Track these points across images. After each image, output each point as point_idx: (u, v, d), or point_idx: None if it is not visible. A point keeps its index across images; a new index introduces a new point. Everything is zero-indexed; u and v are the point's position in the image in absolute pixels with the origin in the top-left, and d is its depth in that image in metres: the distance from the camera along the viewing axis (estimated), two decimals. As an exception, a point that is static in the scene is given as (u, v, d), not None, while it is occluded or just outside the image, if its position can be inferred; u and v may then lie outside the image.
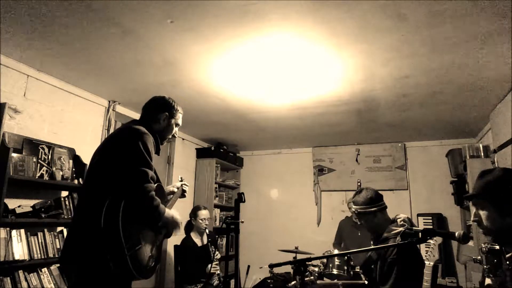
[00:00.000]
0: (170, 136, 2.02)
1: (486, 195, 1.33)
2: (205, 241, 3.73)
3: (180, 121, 2.05)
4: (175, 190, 2.24)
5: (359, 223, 2.28)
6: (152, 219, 1.71)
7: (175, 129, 2.03)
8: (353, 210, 2.23)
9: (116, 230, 1.53)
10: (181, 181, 2.30)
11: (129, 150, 1.65)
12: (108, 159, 1.68)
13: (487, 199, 1.32)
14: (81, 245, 1.58)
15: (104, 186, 1.61)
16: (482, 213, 1.33)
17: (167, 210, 1.79)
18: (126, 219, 1.57)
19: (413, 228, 1.80)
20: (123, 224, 1.55)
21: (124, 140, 1.70)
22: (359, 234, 3.73)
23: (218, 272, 3.57)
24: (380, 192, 2.20)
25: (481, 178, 1.38)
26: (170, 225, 1.85)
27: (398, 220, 2.06)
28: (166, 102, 2.00)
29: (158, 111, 1.95)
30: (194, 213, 3.78)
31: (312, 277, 2.95)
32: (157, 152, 1.87)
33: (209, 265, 3.47)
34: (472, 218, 1.39)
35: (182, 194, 2.26)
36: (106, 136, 3.39)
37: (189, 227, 3.81)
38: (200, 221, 3.68)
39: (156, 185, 1.75)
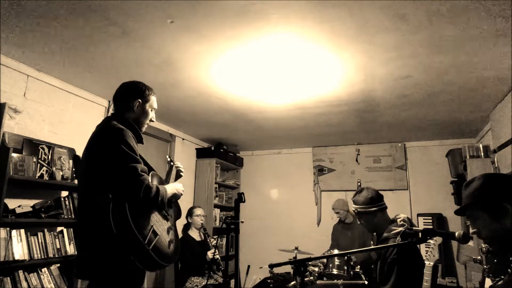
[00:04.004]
0: (148, 122, 1.92)
1: (475, 204, 1.32)
2: (203, 237, 3.95)
3: (155, 105, 1.92)
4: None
5: (358, 222, 2.28)
6: (159, 206, 1.72)
7: (152, 113, 1.92)
8: (353, 209, 2.23)
9: (130, 230, 1.53)
10: (170, 161, 2.18)
11: (113, 153, 1.61)
12: (95, 165, 1.65)
13: (478, 207, 1.31)
14: (98, 256, 1.57)
15: (100, 193, 1.60)
16: (478, 223, 1.32)
17: (168, 188, 1.78)
18: (136, 216, 1.58)
19: (413, 228, 1.80)
20: (134, 222, 1.55)
21: (104, 144, 1.65)
22: (349, 234, 3.93)
23: (218, 256, 3.73)
24: (380, 192, 2.20)
25: (465, 190, 1.37)
26: (174, 199, 1.89)
27: (398, 220, 2.07)
28: (136, 87, 1.87)
29: (129, 99, 1.84)
30: (189, 212, 4.03)
31: (311, 277, 2.95)
32: (140, 141, 1.81)
33: (208, 252, 3.70)
34: (471, 231, 1.38)
35: (178, 174, 2.13)
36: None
37: (187, 227, 4.03)
38: (196, 217, 3.94)
39: (150, 174, 1.75)
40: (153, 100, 1.92)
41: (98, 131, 1.77)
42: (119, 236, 1.52)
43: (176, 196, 1.88)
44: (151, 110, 1.91)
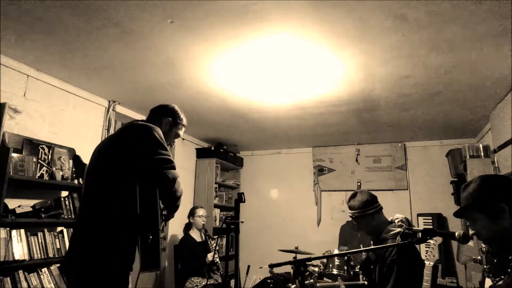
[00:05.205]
0: (168, 144, 2.01)
1: (473, 206, 1.33)
2: (204, 238, 3.98)
3: (181, 133, 2.06)
4: None
5: (357, 227, 2.27)
6: (174, 206, 1.79)
7: (173, 138, 2.04)
8: (350, 215, 2.22)
9: (155, 215, 1.61)
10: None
11: (148, 139, 1.68)
12: (124, 151, 1.68)
13: (475, 209, 1.32)
14: (101, 237, 1.60)
15: (127, 177, 1.64)
16: (477, 225, 1.33)
17: None
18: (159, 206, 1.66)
19: (412, 228, 1.80)
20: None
21: (138, 133, 1.72)
22: (359, 235, 3.82)
23: (218, 260, 3.76)
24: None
25: (462, 193, 1.39)
26: (174, 213, 1.93)
27: (396, 220, 2.07)
28: (172, 109, 2.03)
29: (163, 115, 1.98)
30: (191, 212, 4.04)
31: (312, 280, 2.95)
32: None
33: (208, 255, 3.73)
34: (470, 232, 1.40)
35: None
36: (106, 136, 3.39)
37: (188, 227, 4.04)
38: (198, 218, 3.96)
39: None
40: (181, 129, 2.06)
41: (125, 127, 1.84)
42: (141, 217, 1.59)
43: (175, 212, 1.90)
44: (175, 136, 2.03)
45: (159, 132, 1.74)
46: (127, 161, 1.65)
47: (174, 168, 1.69)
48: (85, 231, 1.65)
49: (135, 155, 1.65)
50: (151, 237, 1.58)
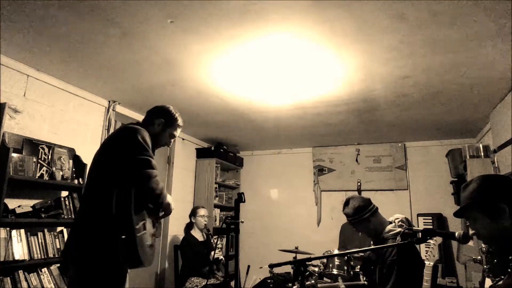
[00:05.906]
0: (163, 144, 2.05)
1: (473, 205, 1.34)
2: (206, 237, 3.99)
3: (176, 133, 2.08)
4: None
5: (358, 232, 2.28)
6: (158, 204, 1.83)
7: (168, 139, 2.05)
8: (347, 222, 2.24)
9: (128, 214, 1.64)
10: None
11: (129, 142, 1.75)
12: (109, 154, 1.77)
13: (476, 208, 1.33)
14: (88, 238, 1.65)
15: (109, 179, 1.70)
16: (477, 224, 1.34)
17: (168, 196, 1.89)
18: (136, 206, 1.69)
19: (413, 228, 1.80)
20: (134, 209, 1.67)
21: (123, 135, 1.81)
22: (360, 234, 3.82)
23: (222, 257, 3.79)
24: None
25: (463, 192, 1.39)
26: (167, 211, 1.94)
27: (396, 220, 2.07)
28: (166, 110, 2.05)
29: (155, 117, 2.02)
30: (193, 212, 4.06)
31: (312, 281, 2.94)
32: (152, 151, 1.91)
33: (212, 252, 3.74)
34: (470, 232, 1.40)
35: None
36: (106, 136, 3.40)
37: (190, 226, 4.05)
38: (200, 217, 3.97)
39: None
40: (176, 129, 2.07)
41: (118, 129, 1.93)
42: (116, 217, 1.63)
43: (168, 209, 1.91)
44: (170, 136, 2.04)
45: (143, 134, 1.78)
46: (111, 163, 1.73)
47: (152, 168, 1.72)
48: (80, 230, 1.71)
49: (118, 157, 1.72)
50: (123, 237, 1.62)
